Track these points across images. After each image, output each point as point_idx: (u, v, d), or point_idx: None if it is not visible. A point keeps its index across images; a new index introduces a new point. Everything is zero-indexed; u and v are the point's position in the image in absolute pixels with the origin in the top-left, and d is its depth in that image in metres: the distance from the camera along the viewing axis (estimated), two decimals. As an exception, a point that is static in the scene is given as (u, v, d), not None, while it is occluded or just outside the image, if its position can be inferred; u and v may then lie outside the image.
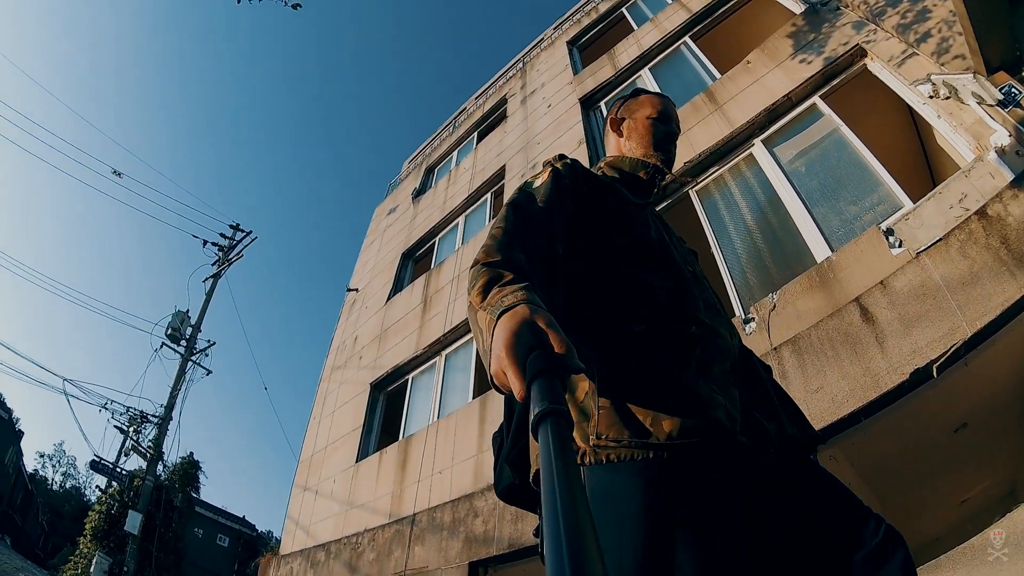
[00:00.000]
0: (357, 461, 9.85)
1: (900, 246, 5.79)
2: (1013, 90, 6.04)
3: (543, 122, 12.26)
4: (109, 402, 18.02)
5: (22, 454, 34.57)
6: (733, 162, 7.84)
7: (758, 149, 7.66)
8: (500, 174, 12.26)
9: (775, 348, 5.62)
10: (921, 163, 8.95)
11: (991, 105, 5.98)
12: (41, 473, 51.17)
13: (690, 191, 7.92)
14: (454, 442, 8.04)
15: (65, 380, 17.58)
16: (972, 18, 5.84)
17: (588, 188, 1.64)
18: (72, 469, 54.99)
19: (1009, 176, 5.56)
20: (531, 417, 0.84)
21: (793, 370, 5.31)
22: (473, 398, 8.50)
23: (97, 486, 20.89)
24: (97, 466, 17.52)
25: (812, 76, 7.34)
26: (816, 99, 7.40)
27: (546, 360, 0.94)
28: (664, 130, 1.92)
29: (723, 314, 1.59)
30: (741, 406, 1.36)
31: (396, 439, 9.65)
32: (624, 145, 1.94)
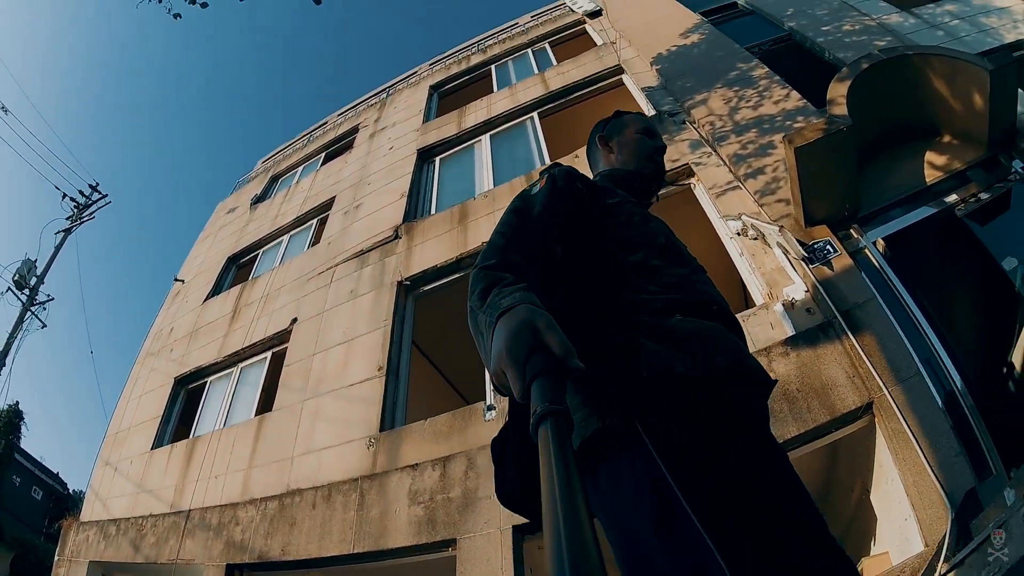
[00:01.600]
0: (152, 448, 10.54)
1: None
2: (828, 247, 6.46)
3: (380, 163, 13.09)
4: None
5: None
6: None
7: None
8: (329, 204, 13.03)
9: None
10: (737, 288, 9.02)
11: (796, 258, 6.38)
12: None
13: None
14: (231, 452, 8.97)
15: None
16: (801, 170, 6.43)
17: (586, 188, 1.71)
18: None
19: (789, 331, 5.99)
20: (531, 417, 0.88)
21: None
22: (255, 415, 9.43)
23: None
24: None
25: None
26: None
27: (545, 361, 0.98)
28: (653, 144, 2.07)
29: (725, 306, 1.59)
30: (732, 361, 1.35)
31: (188, 435, 10.45)
32: (616, 160, 2.06)
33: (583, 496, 0.74)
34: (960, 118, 7.40)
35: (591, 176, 2.10)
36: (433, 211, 10.74)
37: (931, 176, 7.48)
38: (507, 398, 1.14)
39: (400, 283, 9.16)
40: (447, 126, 12.90)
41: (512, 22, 18.58)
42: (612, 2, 14.61)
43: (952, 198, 7.26)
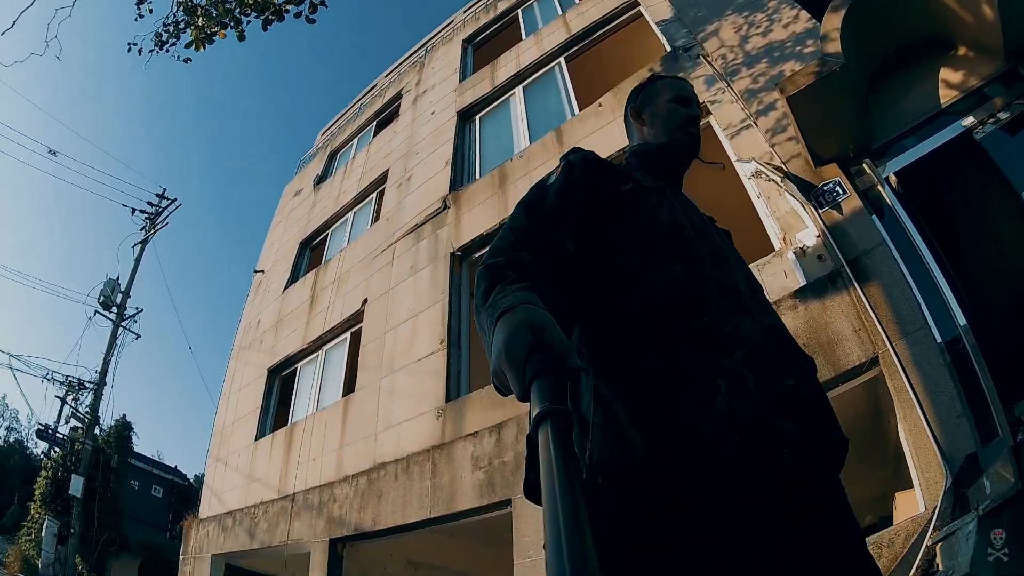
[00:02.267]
0: (256, 439, 11.27)
1: None
2: (838, 188, 6.06)
3: (425, 129, 13.18)
4: (50, 372, 19.52)
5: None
6: None
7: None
8: (384, 177, 13.28)
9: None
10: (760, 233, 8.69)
11: (807, 202, 6.01)
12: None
13: None
14: (324, 435, 9.55)
15: (11, 356, 18.98)
16: (799, 116, 6.02)
17: (599, 176, 1.66)
18: (15, 423, 54.65)
19: (801, 281, 5.76)
20: (531, 417, 0.91)
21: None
22: (342, 396, 9.95)
23: (39, 421, 22.50)
24: (42, 434, 19.14)
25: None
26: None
27: (545, 361, 0.98)
28: (686, 113, 1.94)
29: (749, 296, 1.55)
30: (756, 401, 1.30)
31: (287, 422, 11.13)
32: (648, 133, 1.97)
33: (583, 496, 0.75)
34: (973, 28, 6.66)
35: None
36: (478, 176, 10.84)
37: (946, 97, 6.80)
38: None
39: (453, 254, 9.39)
40: (481, 83, 12.88)
41: None
42: None
43: (969, 120, 6.60)
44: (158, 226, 22.75)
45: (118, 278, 21.22)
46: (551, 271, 1.37)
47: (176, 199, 23.22)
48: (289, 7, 8.82)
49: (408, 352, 8.81)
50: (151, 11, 9.06)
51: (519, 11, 15.08)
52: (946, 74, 6.87)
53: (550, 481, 0.77)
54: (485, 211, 9.52)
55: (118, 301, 20.82)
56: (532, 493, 1.36)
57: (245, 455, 11.39)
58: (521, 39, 13.56)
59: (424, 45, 18.86)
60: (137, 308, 20.98)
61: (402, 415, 8.28)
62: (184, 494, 30.49)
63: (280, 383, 12.22)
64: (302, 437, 10.10)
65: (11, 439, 53.05)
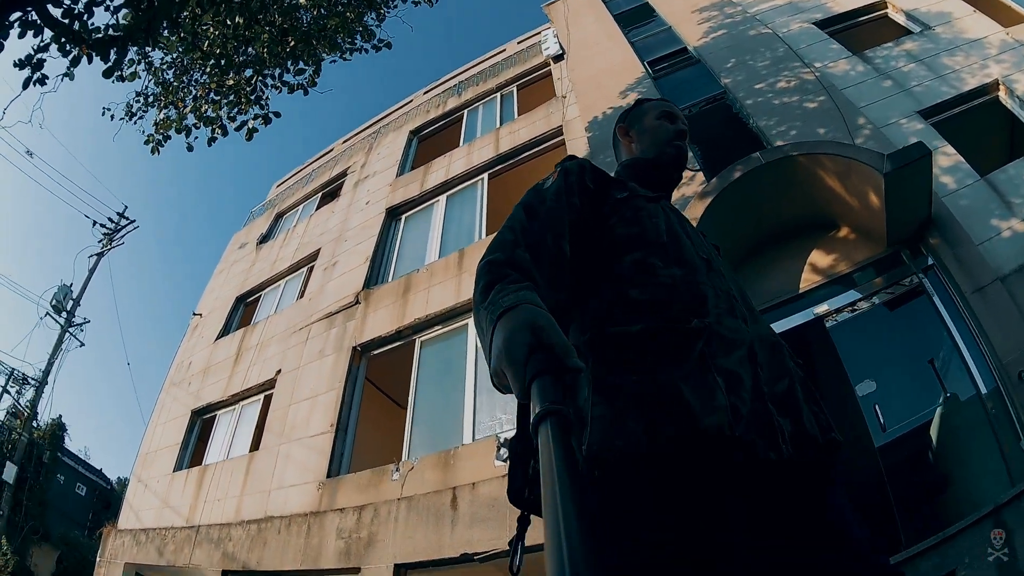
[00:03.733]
0: (174, 471, 13.11)
1: (504, 460, 7.48)
2: None
3: (357, 218, 14.95)
4: (-4, 362, 21.20)
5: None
6: (453, 327, 10.39)
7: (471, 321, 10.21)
8: (315, 255, 15.09)
9: (399, 498, 8.53)
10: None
11: None
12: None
13: (416, 339, 10.77)
14: (230, 482, 11.45)
15: None
16: None
17: (596, 182, 1.73)
18: None
19: None
20: (531, 417, 0.93)
21: (403, 519, 8.37)
22: (249, 450, 11.87)
23: None
24: (-20, 419, 20.79)
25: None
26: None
27: (545, 360, 1.01)
28: (674, 128, 2.02)
29: (740, 303, 1.59)
30: (753, 399, 1.35)
31: (202, 460, 13.01)
32: (636, 149, 2.04)
33: (583, 496, 0.77)
34: (858, 214, 7.44)
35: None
36: (390, 277, 12.79)
37: (809, 281, 7.65)
38: (512, 404, 1.16)
39: (355, 348, 11.40)
40: (413, 184, 14.59)
41: (496, 51, 19.54)
42: (574, 46, 15.27)
43: (823, 308, 7.50)
44: (115, 243, 24.41)
45: (71, 285, 22.95)
46: (549, 269, 1.38)
47: (135, 220, 24.94)
48: (235, 117, 10.11)
49: (305, 427, 10.85)
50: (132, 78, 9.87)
51: (465, 112, 16.98)
52: (818, 257, 7.85)
53: (551, 481, 0.79)
54: (387, 315, 11.51)
55: (68, 307, 22.51)
56: (516, 498, 1.30)
57: (163, 482, 13.19)
58: (459, 144, 15.41)
59: (380, 121, 20.62)
60: (85, 318, 22.70)
61: (292, 479, 10.30)
62: (105, 497, 31.24)
63: (201, 424, 14.04)
64: (212, 478, 11.99)
65: None
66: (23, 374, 21.52)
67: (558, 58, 15.76)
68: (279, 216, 19.73)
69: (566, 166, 1.74)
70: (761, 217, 7.81)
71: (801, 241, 8.02)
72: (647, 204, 1.72)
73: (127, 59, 8.06)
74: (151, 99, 10.24)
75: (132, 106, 10.56)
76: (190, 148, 10.22)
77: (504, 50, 19.33)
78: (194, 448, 13.81)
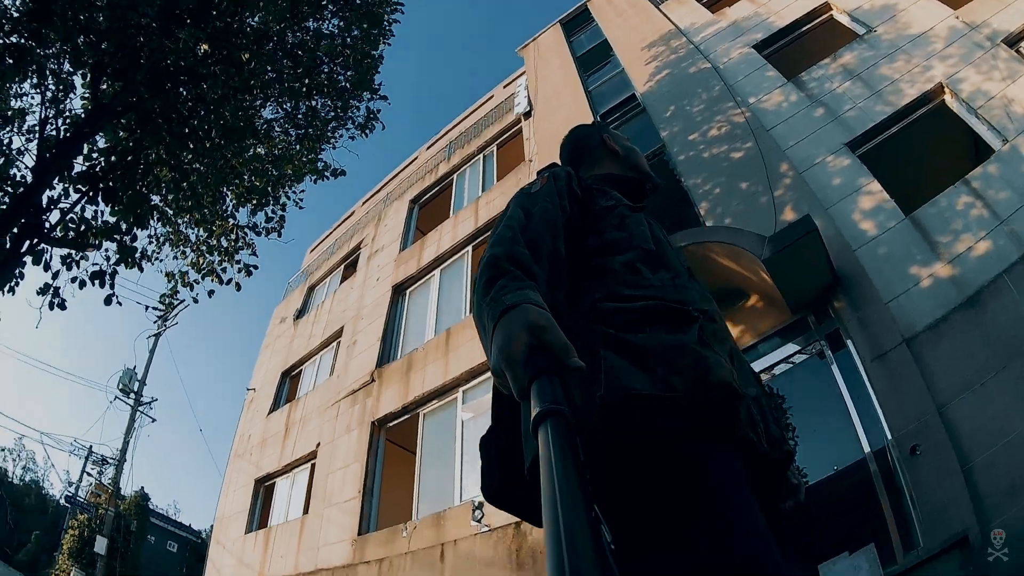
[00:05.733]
0: (245, 532, 15.74)
1: (480, 521, 9.11)
2: None
3: (371, 295, 16.94)
4: (75, 448, 24.36)
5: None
6: (446, 400, 12.24)
7: (460, 397, 11.90)
8: (340, 332, 17.31)
9: (406, 552, 10.86)
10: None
11: None
12: (1, 465, 52.02)
13: (420, 412, 12.80)
14: (288, 541, 13.95)
15: (42, 433, 24.07)
16: None
17: (582, 190, 1.76)
18: (31, 464, 55.80)
19: None
20: (531, 416, 0.92)
21: (409, 570, 10.83)
22: (302, 513, 14.31)
23: (70, 480, 27.36)
24: (71, 500, 23.90)
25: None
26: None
27: (546, 360, 1.02)
28: (639, 153, 2.20)
29: (718, 312, 1.61)
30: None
31: (267, 523, 15.63)
32: (614, 164, 2.12)
33: (583, 496, 0.78)
34: (759, 285, 7.67)
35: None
36: (399, 355, 14.91)
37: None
38: (489, 403, 1.32)
39: (373, 423, 13.73)
40: (412, 260, 16.26)
41: (485, 99, 20.46)
42: (540, 98, 16.16)
43: None
44: (169, 323, 26.86)
45: (135, 367, 25.67)
46: (548, 267, 1.41)
47: (185, 300, 27.57)
48: (226, 266, 10.52)
49: (340, 493, 13.27)
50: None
51: (454, 176, 18.52)
52: (734, 325, 7.97)
53: (550, 480, 0.78)
54: (395, 392, 13.72)
55: (135, 388, 25.20)
56: (492, 497, 1.43)
57: (238, 543, 15.81)
58: (450, 211, 17.03)
59: (388, 184, 22.40)
60: (152, 397, 25.60)
61: (333, 538, 12.74)
62: (197, 550, 33.76)
63: (264, 490, 16.63)
64: (275, 538, 14.54)
65: (27, 479, 54.39)
66: (101, 455, 24.59)
67: (528, 114, 16.59)
68: (311, 289, 21.76)
69: (554, 171, 1.76)
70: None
71: (723, 309, 8.75)
72: (631, 213, 1.76)
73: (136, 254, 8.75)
74: (163, 241, 10.53)
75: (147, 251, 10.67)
76: (195, 301, 11.11)
77: (492, 96, 20.38)
78: (260, 512, 16.34)
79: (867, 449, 6.46)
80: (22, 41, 7.42)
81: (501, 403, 1.49)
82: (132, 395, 25.05)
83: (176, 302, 26.88)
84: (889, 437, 6.19)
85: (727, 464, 1.22)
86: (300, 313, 20.92)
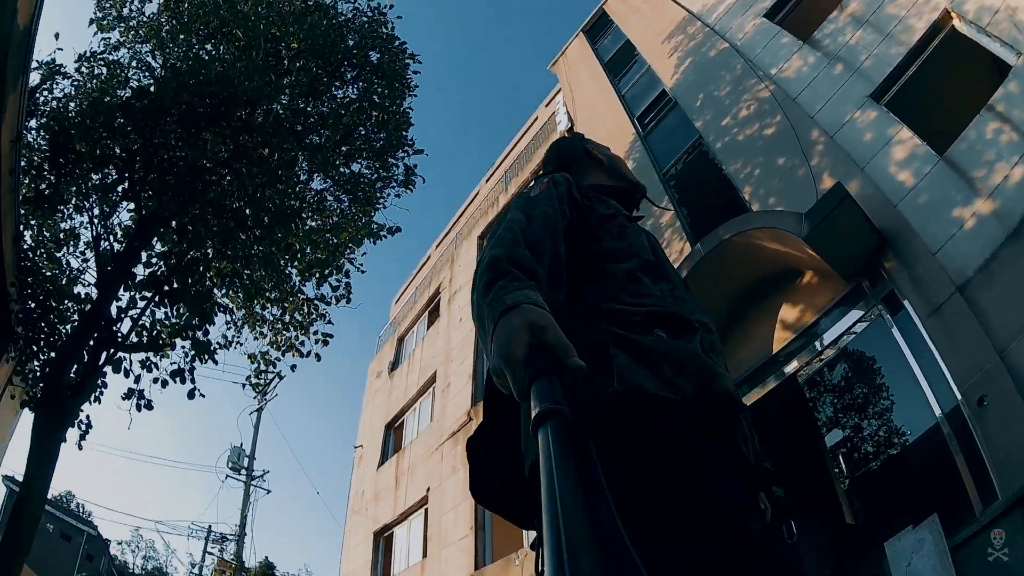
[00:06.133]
0: None
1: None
2: None
3: (457, 335, 17.10)
4: (193, 530, 25.41)
5: (113, 560, 41.70)
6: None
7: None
8: (433, 378, 17.69)
9: None
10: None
11: None
12: (120, 559, 53.92)
13: None
14: None
15: (156, 522, 25.43)
16: None
17: (581, 195, 1.76)
18: (151, 552, 58.96)
19: None
20: (531, 416, 0.92)
21: None
22: (421, 557, 14.75)
23: (192, 562, 28.60)
24: (196, 580, 24.93)
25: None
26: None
27: (546, 360, 1.02)
28: (623, 161, 2.25)
29: (712, 327, 1.59)
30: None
31: (390, 572, 16.14)
32: (600, 174, 2.13)
33: (583, 496, 0.78)
34: (810, 261, 7.56)
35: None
36: None
37: (781, 340, 7.84)
38: (480, 406, 2.24)
39: None
40: None
41: (531, 121, 20.17)
42: (580, 109, 15.96)
43: (793, 366, 7.71)
44: (268, 396, 27.35)
45: (241, 444, 26.64)
46: (549, 269, 1.40)
47: (280, 371, 28.56)
48: (303, 339, 10.71)
49: (453, 532, 13.59)
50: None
51: None
52: (787, 312, 8.00)
53: (550, 481, 0.78)
54: None
55: (244, 464, 26.18)
56: (481, 497, 1.48)
57: None
58: None
59: (456, 223, 22.15)
60: (264, 469, 26.52)
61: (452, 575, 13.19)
62: None
63: (383, 541, 17.14)
64: None
65: (149, 567, 57.90)
66: (220, 533, 25.59)
67: (571, 131, 15.61)
68: (400, 340, 22.17)
69: (553, 177, 1.76)
70: (735, 284, 8.37)
71: (774, 295, 8.28)
72: (629, 223, 1.77)
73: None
74: (240, 324, 10.60)
75: (227, 336, 10.71)
76: (281, 377, 11.33)
77: (537, 117, 19.92)
78: (383, 563, 16.81)
79: (938, 412, 6.27)
80: (52, 179, 7.99)
81: (499, 403, 1.49)
82: (243, 471, 26.03)
83: (267, 379, 28.12)
84: (959, 397, 5.91)
85: (727, 464, 1.23)
86: (394, 365, 21.30)
